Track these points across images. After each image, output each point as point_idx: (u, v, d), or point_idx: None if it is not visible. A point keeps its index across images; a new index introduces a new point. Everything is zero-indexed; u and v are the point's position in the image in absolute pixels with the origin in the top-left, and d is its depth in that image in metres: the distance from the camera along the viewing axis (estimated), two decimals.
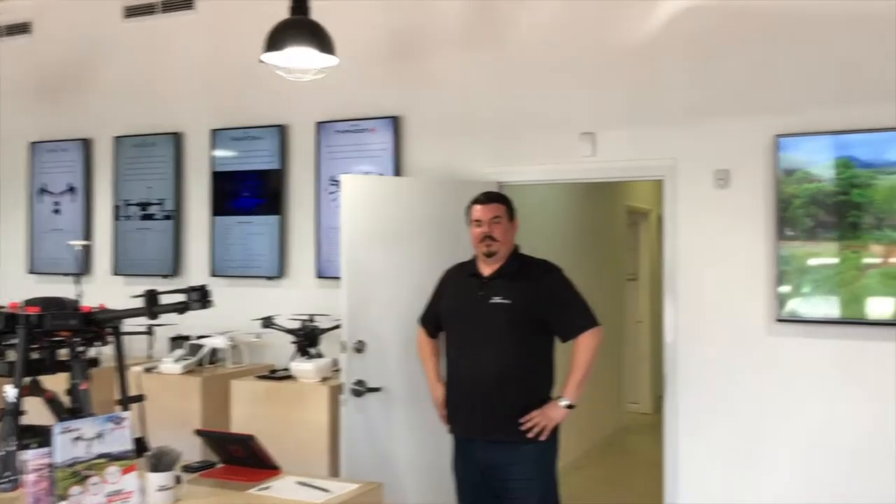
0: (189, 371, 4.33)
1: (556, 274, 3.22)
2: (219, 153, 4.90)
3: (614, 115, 4.00)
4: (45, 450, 2.29)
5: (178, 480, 2.54)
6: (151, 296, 2.73)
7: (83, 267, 5.23)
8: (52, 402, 2.80)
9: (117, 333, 2.91)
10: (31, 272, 5.47)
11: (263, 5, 3.76)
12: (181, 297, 2.80)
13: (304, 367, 4.06)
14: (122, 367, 2.96)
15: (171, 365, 4.30)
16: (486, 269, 3.21)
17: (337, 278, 4.05)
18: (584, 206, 6.81)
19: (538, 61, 4.16)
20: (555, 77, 4.13)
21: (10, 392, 2.65)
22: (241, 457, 2.93)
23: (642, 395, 8.33)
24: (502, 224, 3.18)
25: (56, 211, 5.42)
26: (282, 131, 4.73)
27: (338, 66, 3.59)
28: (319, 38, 3.41)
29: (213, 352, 4.50)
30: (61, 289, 3.42)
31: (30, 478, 2.26)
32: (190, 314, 2.95)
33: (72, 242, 5.06)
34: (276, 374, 4.24)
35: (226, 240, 4.86)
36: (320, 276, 4.58)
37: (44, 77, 5.50)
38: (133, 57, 5.19)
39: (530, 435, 3.06)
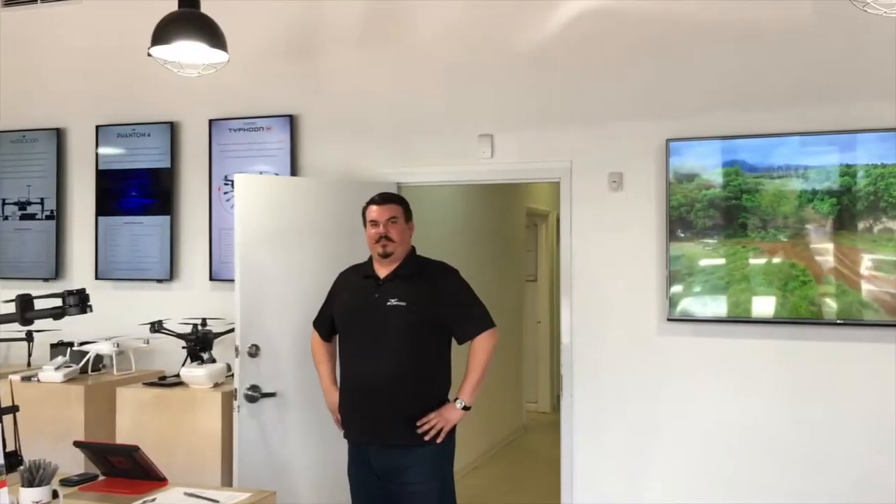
0: (71, 379, 4.12)
1: (452, 275, 3.21)
2: (104, 150, 4.68)
3: (512, 118, 4.03)
4: None
5: (54, 495, 2.41)
6: (24, 301, 2.56)
7: None
8: None
9: None
10: None
11: None
12: (57, 302, 2.63)
13: (195, 373, 3.92)
14: None
15: (51, 373, 4.08)
16: (382, 271, 3.17)
17: (231, 281, 3.92)
18: (484, 207, 6.86)
19: (437, 62, 4.15)
20: (453, 78, 4.13)
21: None
22: (125, 468, 2.80)
23: (541, 394, 8.46)
24: (399, 225, 3.15)
25: None
26: (172, 128, 4.56)
27: (232, 63, 3.48)
28: (209, 33, 3.29)
29: (98, 358, 4.29)
30: None
31: None
32: (73, 319, 2.79)
33: None
34: (166, 381, 4.08)
35: (112, 241, 4.65)
36: (213, 278, 4.44)
37: None
38: (12, 47, 4.89)
39: (427, 437, 3.04)
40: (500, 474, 6.30)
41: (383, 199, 3.20)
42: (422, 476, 3.07)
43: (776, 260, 3.59)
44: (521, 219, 7.80)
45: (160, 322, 4.14)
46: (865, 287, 3.46)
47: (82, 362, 4.21)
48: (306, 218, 3.86)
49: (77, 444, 2.94)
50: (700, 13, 3.73)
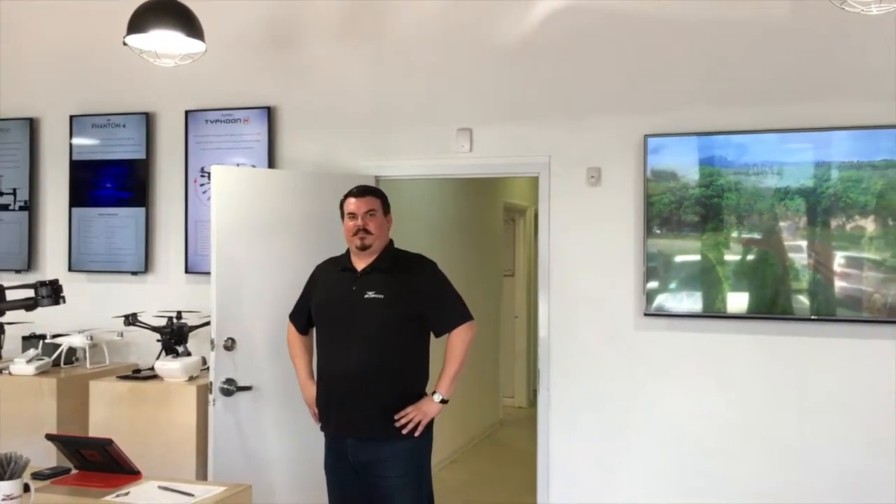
0: (43, 372, 4.07)
1: (430, 268, 3.21)
2: (78, 141, 4.62)
3: (491, 112, 4.03)
4: None
5: (26, 489, 2.37)
6: None
7: None
8: None
9: None
10: None
11: None
12: (30, 293, 2.60)
13: (170, 367, 3.88)
14: None
15: (22, 366, 4.02)
16: (360, 264, 3.16)
17: (207, 274, 3.89)
18: (463, 202, 6.85)
19: (416, 56, 4.13)
20: (433, 72, 4.11)
21: None
22: (98, 462, 2.77)
23: (518, 389, 8.48)
24: (377, 218, 3.14)
25: None
26: (148, 119, 4.50)
27: (210, 54, 3.45)
28: (187, 22, 3.25)
29: (71, 351, 4.24)
30: None
31: None
32: (46, 311, 2.76)
33: None
34: (140, 374, 4.04)
35: (86, 233, 4.59)
36: (189, 271, 4.40)
37: None
38: None
39: (405, 431, 3.03)
40: (476, 469, 6.31)
41: (361, 191, 3.18)
42: (399, 470, 3.06)
43: (751, 256, 3.62)
44: (499, 214, 7.81)
45: (135, 315, 4.09)
46: (838, 284, 3.50)
47: (55, 355, 4.15)
48: (283, 210, 3.83)
49: (49, 436, 2.91)
50: (679, 10, 3.75)
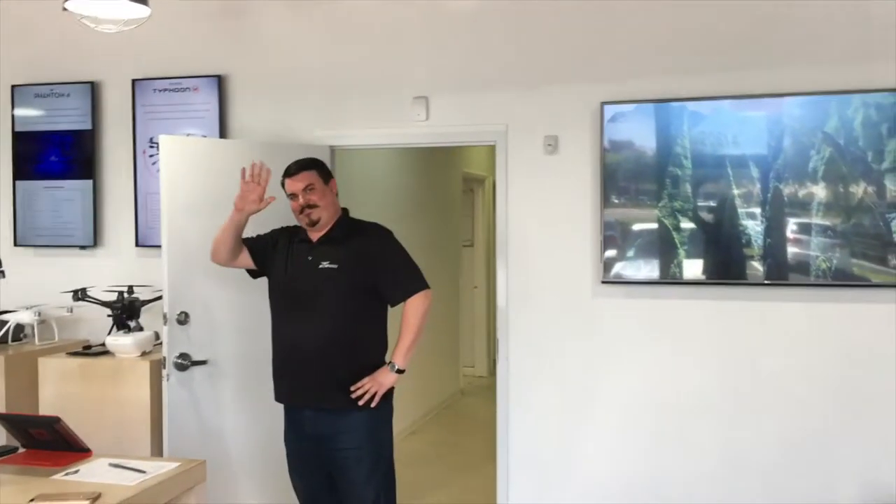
0: None
1: (385, 237, 3.17)
2: (21, 112, 4.46)
3: (447, 80, 3.97)
4: None
5: None
6: None
7: None
8: None
9: None
10: None
11: None
12: None
13: (121, 342, 3.80)
14: None
15: None
16: (315, 235, 3.12)
17: (158, 247, 3.81)
18: (420, 172, 6.81)
19: (370, 22, 4.05)
20: (387, 39, 4.04)
21: None
22: (47, 441, 2.71)
23: (478, 358, 8.52)
24: (317, 190, 3.10)
25: None
26: (93, 88, 4.36)
27: (157, 20, 3.33)
28: None
29: (19, 328, 4.13)
30: None
31: None
32: None
33: None
34: (92, 350, 3.95)
35: (32, 206, 4.45)
36: (140, 244, 4.29)
37: None
38: None
39: (361, 402, 3.01)
40: (436, 438, 6.34)
41: (296, 167, 3.13)
42: (356, 441, 3.04)
43: (707, 223, 3.63)
44: (457, 184, 7.77)
45: (84, 290, 4.00)
46: (791, 249, 3.54)
47: (1, 332, 4.04)
48: (236, 181, 3.72)
49: None
50: None
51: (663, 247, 3.68)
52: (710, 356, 3.69)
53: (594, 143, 3.77)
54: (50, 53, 4.44)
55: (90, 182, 4.36)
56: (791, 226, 3.54)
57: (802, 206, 3.52)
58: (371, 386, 3.02)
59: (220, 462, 3.58)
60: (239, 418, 3.75)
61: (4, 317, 4.09)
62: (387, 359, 3.13)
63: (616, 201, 3.72)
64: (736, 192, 3.59)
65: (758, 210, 3.57)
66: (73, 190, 4.39)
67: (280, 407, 3.22)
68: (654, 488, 3.75)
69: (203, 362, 3.64)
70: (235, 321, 3.73)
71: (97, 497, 2.29)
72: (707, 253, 3.65)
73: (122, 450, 3.35)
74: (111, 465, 2.62)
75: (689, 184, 3.64)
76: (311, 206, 3.07)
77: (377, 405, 3.04)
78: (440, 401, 7.20)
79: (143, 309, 3.96)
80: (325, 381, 3.02)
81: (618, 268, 3.74)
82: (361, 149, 4.24)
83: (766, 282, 3.57)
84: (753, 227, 3.58)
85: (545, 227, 3.88)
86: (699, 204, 3.64)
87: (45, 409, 3.76)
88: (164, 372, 3.57)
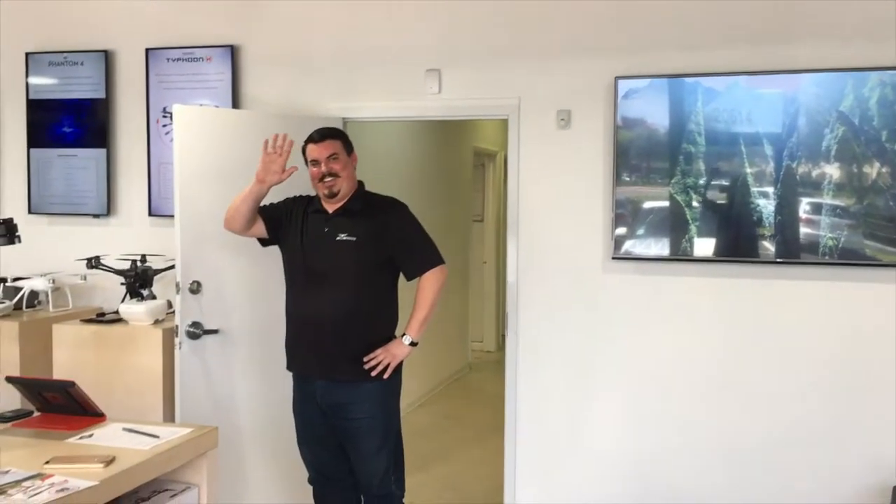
0: (5, 315, 4.00)
1: (402, 211, 3.18)
2: (35, 80, 4.47)
3: (461, 53, 3.96)
4: None
5: None
6: None
7: None
8: None
9: None
10: None
11: None
12: None
13: (134, 310, 3.84)
14: None
15: None
16: (331, 206, 3.13)
17: (171, 216, 3.83)
18: (432, 145, 6.80)
19: None
20: (401, 11, 4.02)
21: None
22: (61, 404, 2.74)
23: (487, 333, 8.55)
24: (341, 160, 3.10)
25: None
26: (107, 57, 4.37)
27: None
28: None
29: (33, 295, 4.17)
30: None
31: None
32: (7, 254, 2.68)
33: None
34: (105, 318, 3.99)
35: (46, 174, 4.47)
36: (153, 213, 4.32)
37: None
38: None
39: (374, 373, 3.03)
40: (444, 411, 6.38)
41: (321, 135, 3.13)
42: (366, 411, 3.08)
43: (719, 201, 3.62)
44: (468, 158, 7.76)
45: (97, 258, 4.03)
46: (803, 230, 3.53)
47: (16, 298, 4.08)
48: (248, 152, 3.72)
49: (9, 379, 2.87)
50: None
51: (675, 224, 3.68)
52: (719, 333, 3.69)
53: (607, 118, 3.75)
54: (64, 21, 4.44)
55: (104, 151, 4.38)
56: (803, 205, 3.53)
57: (815, 186, 3.50)
58: (384, 357, 3.04)
59: (230, 429, 3.62)
60: (250, 386, 3.79)
61: (19, 284, 4.13)
62: (398, 332, 3.16)
63: (627, 179, 3.71)
64: (749, 170, 3.57)
65: (770, 189, 3.56)
66: (87, 158, 4.41)
67: (289, 375, 3.25)
68: (661, 462, 3.78)
69: (215, 331, 3.67)
70: (247, 290, 3.76)
71: (111, 460, 2.33)
72: (718, 231, 3.64)
73: (134, 416, 3.38)
74: (125, 429, 2.65)
75: (703, 161, 3.62)
76: (333, 175, 3.07)
77: (388, 376, 3.07)
78: (448, 375, 7.24)
79: (155, 278, 4.00)
80: (340, 353, 3.04)
81: (628, 244, 3.74)
82: (374, 121, 4.23)
83: (777, 260, 3.57)
84: (765, 205, 3.57)
85: (556, 202, 3.87)
86: (712, 182, 3.62)
87: (59, 374, 3.80)
88: (177, 340, 3.60)
